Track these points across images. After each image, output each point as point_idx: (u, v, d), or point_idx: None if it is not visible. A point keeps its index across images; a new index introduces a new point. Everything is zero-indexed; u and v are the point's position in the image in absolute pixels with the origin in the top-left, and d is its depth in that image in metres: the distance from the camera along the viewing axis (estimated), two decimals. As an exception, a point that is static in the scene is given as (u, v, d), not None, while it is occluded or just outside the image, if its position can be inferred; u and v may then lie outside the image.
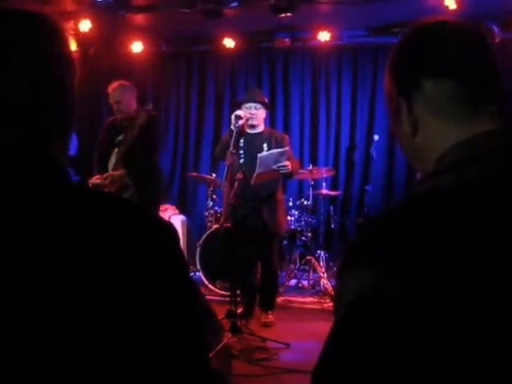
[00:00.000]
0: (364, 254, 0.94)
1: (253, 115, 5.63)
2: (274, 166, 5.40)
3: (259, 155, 5.37)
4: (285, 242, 7.39)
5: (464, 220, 0.91)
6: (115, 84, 5.54)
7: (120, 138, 5.49)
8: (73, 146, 8.09)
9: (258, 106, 5.70)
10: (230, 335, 5.02)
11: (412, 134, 1.11)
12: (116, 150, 5.47)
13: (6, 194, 0.95)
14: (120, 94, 5.49)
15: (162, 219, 1.08)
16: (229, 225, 5.36)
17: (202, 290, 6.30)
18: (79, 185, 1.04)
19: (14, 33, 0.99)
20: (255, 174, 5.36)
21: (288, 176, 5.75)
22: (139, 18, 7.65)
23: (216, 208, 7.38)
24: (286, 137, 5.96)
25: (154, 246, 1.00)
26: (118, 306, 0.94)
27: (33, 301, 0.91)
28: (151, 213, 1.08)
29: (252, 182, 5.39)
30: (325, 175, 7.62)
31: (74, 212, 0.97)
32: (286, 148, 5.51)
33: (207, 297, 6.03)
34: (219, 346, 4.67)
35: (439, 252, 0.88)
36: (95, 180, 5.34)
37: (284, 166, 5.42)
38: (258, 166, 5.34)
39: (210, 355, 4.17)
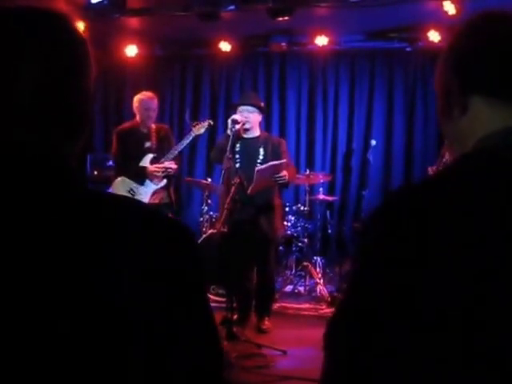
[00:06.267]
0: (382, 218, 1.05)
1: (246, 119, 5.56)
2: (271, 178, 5.39)
3: (257, 168, 5.34)
4: (281, 247, 7.31)
5: (467, 202, 0.98)
6: (152, 94, 6.08)
7: (148, 144, 5.96)
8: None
9: (252, 109, 5.63)
10: (225, 342, 4.93)
11: (460, 115, 1.12)
12: (150, 156, 5.92)
13: (11, 196, 0.92)
14: (157, 105, 6.13)
15: (178, 221, 1.07)
16: (225, 230, 5.30)
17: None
18: (90, 188, 1.00)
19: (24, 30, 0.95)
20: (252, 185, 5.33)
21: (284, 185, 5.72)
22: (134, 21, 7.58)
23: (211, 213, 7.30)
24: (283, 141, 5.92)
25: (171, 249, 0.98)
26: (127, 308, 0.91)
27: (37, 308, 0.88)
28: (167, 215, 1.08)
29: (249, 192, 5.36)
30: (321, 180, 7.60)
31: (82, 216, 0.93)
32: (284, 160, 5.46)
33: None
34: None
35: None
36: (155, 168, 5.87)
37: (281, 177, 5.40)
38: (255, 179, 5.31)
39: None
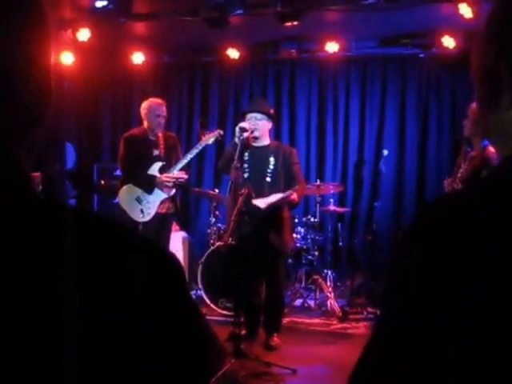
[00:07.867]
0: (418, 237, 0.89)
1: (254, 126, 5.40)
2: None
3: (263, 206, 5.31)
4: (290, 260, 7.16)
5: None
6: (161, 101, 6.13)
7: (156, 152, 5.98)
8: (70, 159, 7.93)
9: (259, 116, 5.49)
10: (233, 360, 4.76)
11: (510, 103, 0.93)
12: (159, 164, 5.94)
13: None
14: (166, 112, 6.16)
15: (163, 249, 0.89)
16: (233, 242, 5.14)
17: (204, 309, 6.12)
18: (50, 199, 0.80)
19: None
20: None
21: (293, 206, 5.65)
22: (140, 27, 7.45)
23: (219, 225, 7.16)
24: (294, 151, 5.82)
25: (149, 280, 0.81)
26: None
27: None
28: (149, 240, 0.87)
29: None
30: (332, 191, 7.51)
31: (44, 230, 0.76)
32: (290, 192, 5.35)
33: (208, 317, 5.98)
34: (221, 372, 4.45)
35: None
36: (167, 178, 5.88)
37: (290, 201, 5.42)
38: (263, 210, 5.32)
39: (212, 382, 3.95)
